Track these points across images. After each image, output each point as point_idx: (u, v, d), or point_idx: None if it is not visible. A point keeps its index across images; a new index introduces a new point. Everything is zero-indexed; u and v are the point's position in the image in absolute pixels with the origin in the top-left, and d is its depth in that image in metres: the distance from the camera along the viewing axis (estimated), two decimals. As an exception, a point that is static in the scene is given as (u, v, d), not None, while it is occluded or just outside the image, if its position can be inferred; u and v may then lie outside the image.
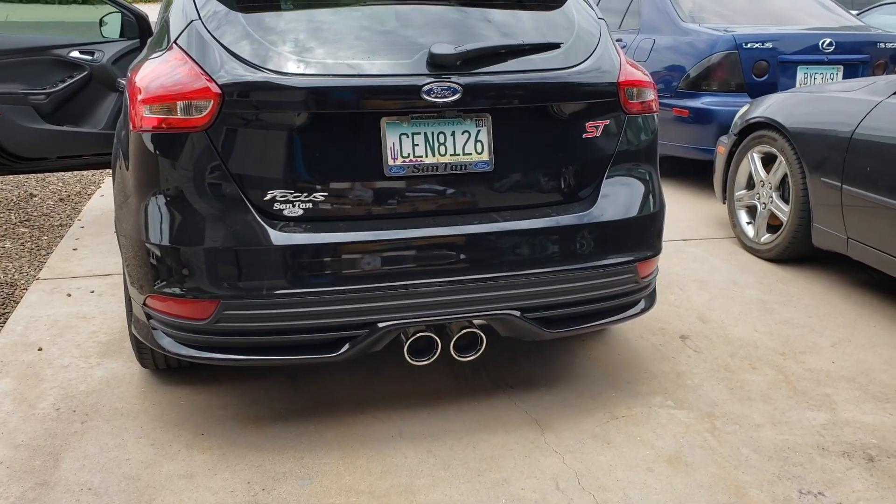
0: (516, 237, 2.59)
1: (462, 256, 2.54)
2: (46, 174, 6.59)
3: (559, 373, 3.17)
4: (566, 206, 2.70)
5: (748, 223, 4.70)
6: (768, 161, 4.54)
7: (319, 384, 3.05)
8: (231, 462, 2.57)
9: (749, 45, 5.49)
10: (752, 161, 4.59)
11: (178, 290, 2.44)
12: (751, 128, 4.62)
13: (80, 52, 4.79)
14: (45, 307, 3.80)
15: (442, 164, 2.52)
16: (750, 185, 4.69)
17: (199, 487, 2.43)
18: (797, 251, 4.31)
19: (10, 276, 4.27)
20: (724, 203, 4.94)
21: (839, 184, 3.86)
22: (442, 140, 2.52)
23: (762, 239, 4.52)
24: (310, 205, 2.46)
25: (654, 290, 3.00)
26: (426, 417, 2.84)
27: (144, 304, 2.57)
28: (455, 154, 2.54)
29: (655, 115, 2.87)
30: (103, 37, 4.93)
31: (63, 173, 6.66)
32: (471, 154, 2.55)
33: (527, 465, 2.57)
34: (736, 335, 3.54)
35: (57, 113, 4.78)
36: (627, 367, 3.23)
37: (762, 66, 5.55)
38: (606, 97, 2.69)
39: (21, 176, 6.46)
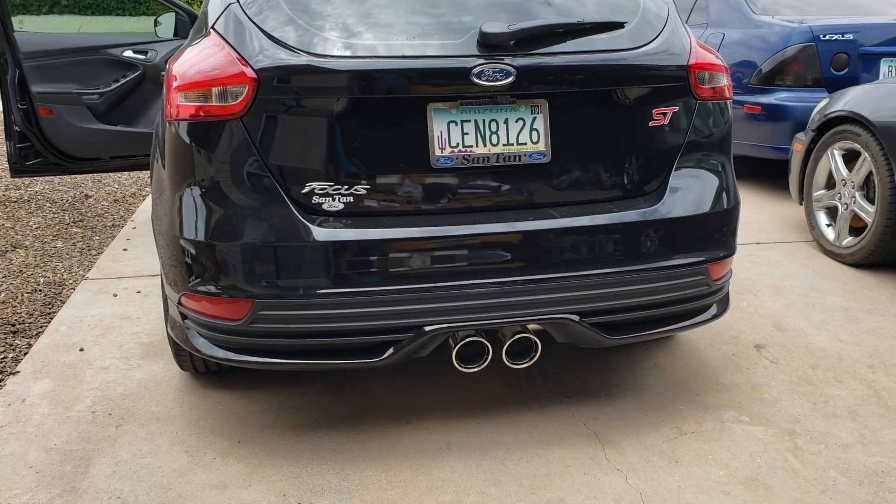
0: (576, 235, 2.37)
1: (516, 256, 2.33)
2: (103, 175, 6.62)
3: (620, 383, 2.93)
4: (630, 201, 2.46)
5: (828, 225, 4.37)
6: (850, 158, 4.22)
7: (363, 391, 2.87)
8: (267, 472, 2.41)
9: (827, 37, 5.14)
10: (833, 158, 4.26)
11: (212, 289, 2.30)
12: (831, 123, 4.30)
13: (134, 52, 4.75)
14: (91, 307, 3.72)
15: (494, 154, 2.32)
16: (830, 184, 4.36)
17: (232, 499, 2.28)
18: (883, 255, 3.97)
19: (59, 275, 4.22)
20: (801, 204, 4.62)
21: (933, 180, 3.52)
22: (494, 128, 2.32)
23: (844, 242, 4.19)
24: (351, 199, 2.28)
25: (728, 294, 2.74)
26: (476, 429, 2.63)
27: (179, 303, 2.44)
28: (508, 144, 2.33)
29: (729, 102, 2.62)
30: (157, 37, 4.88)
31: (119, 175, 6.68)
32: (525, 144, 2.34)
33: (585, 483, 2.35)
34: (817, 345, 3.24)
35: (110, 113, 4.75)
36: (696, 378, 2.97)
37: (842, 59, 5.20)
38: (675, 81, 2.45)
39: (78, 177, 6.49)
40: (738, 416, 2.71)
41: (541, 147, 2.35)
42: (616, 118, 2.42)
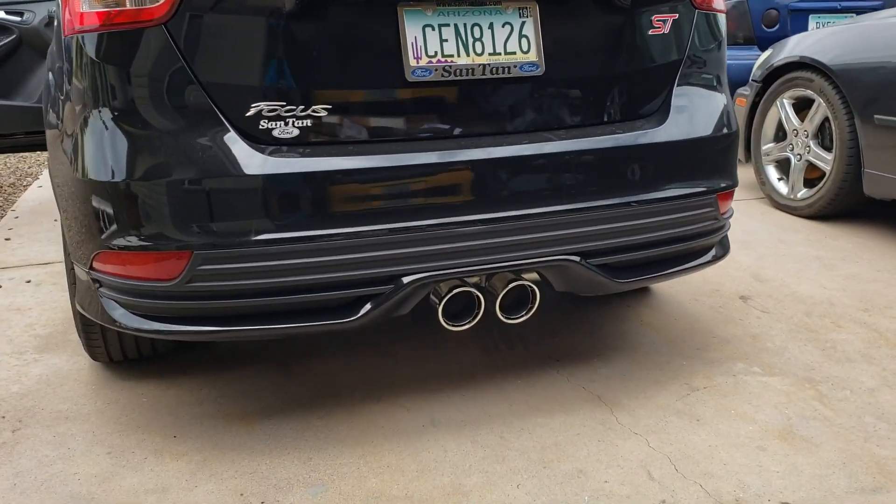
0: (575, 161, 2.01)
1: (507, 188, 1.95)
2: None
3: (610, 342, 2.59)
4: (633, 122, 2.12)
5: (779, 179, 4.19)
6: (801, 107, 4.05)
7: (318, 371, 2.42)
8: (215, 469, 1.93)
9: (758, -8, 5.02)
10: (783, 108, 4.08)
11: (135, 241, 1.81)
12: (778, 73, 4.12)
13: (7, 13, 4.11)
14: (-31, 302, 3.11)
15: (479, 65, 1.93)
16: (779, 136, 4.19)
17: (176, 502, 1.80)
18: (843, 204, 3.81)
19: (-73, 271, 3.56)
20: (747, 161, 4.42)
21: (899, 119, 3.36)
22: (477, 34, 1.94)
23: (799, 194, 4.02)
24: (308, 122, 1.84)
25: (727, 235, 2.45)
26: (461, 402, 2.23)
27: (91, 267, 1.93)
28: (495, 53, 1.95)
29: (722, 17, 2.32)
30: None
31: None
32: (515, 53, 1.97)
33: (603, 451, 1.99)
34: (803, 293, 3.01)
35: (-20, 85, 4.09)
36: (690, 333, 2.67)
37: (772, 16, 5.08)
38: (675, -17, 2.13)
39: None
40: (749, 368, 2.42)
41: (532, 57, 1.98)
42: (614, 25, 2.08)
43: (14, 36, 4.07)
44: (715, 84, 2.26)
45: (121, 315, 1.92)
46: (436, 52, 1.90)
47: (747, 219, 3.98)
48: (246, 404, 2.24)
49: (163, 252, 1.80)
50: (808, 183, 4.03)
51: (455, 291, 1.98)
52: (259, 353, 2.54)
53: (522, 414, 2.16)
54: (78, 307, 2.13)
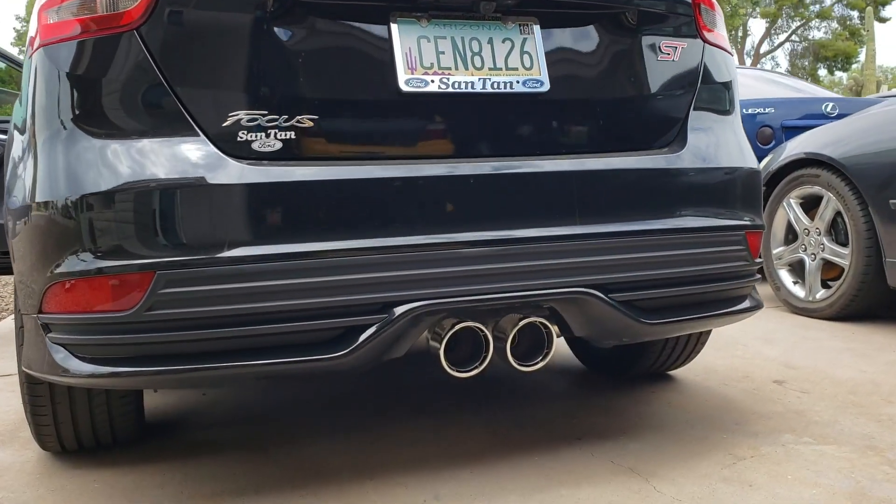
0: (590, 182, 1.82)
1: (512, 206, 1.75)
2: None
3: (636, 422, 2.27)
4: (648, 145, 1.95)
5: (795, 283, 3.98)
6: (809, 207, 3.91)
7: (301, 455, 2.09)
8: (172, 548, 1.58)
9: (751, 111, 5.04)
10: (791, 208, 3.95)
11: (89, 266, 1.57)
12: (781, 174, 4.02)
13: (-5, 131, 4.04)
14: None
15: (478, 79, 1.78)
16: (789, 238, 4.02)
17: (117, 584, 1.44)
18: (865, 300, 3.58)
19: None
20: (758, 269, 4.22)
21: (918, 200, 3.21)
22: (476, 49, 1.80)
23: (817, 296, 3.79)
24: (291, 133, 1.65)
25: (757, 289, 2.21)
26: (468, 478, 1.90)
27: (40, 310, 1.67)
28: (495, 68, 1.80)
29: (731, 58, 2.21)
30: None
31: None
32: (517, 69, 1.82)
33: (643, 518, 1.65)
34: (842, 376, 2.71)
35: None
36: (726, 411, 2.36)
37: (766, 134, 5.07)
38: (680, 11, 2.03)
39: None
40: (799, 439, 2.10)
41: (536, 73, 1.83)
42: (622, 46, 1.95)
43: (-1, 153, 3.97)
44: (732, 121, 2.12)
45: (72, 363, 1.64)
46: (432, 64, 1.75)
47: (765, 323, 3.73)
48: (215, 486, 1.89)
49: (121, 275, 1.56)
50: (826, 285, 3.82)
51: (459, 327, 1.71)
52: (232, 439, 2.22)
53: (543, 487, 1.83)
54: (24, 369, 1.84)
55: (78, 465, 2.05)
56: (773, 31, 39.32)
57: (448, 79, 1.75)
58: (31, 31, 1.76)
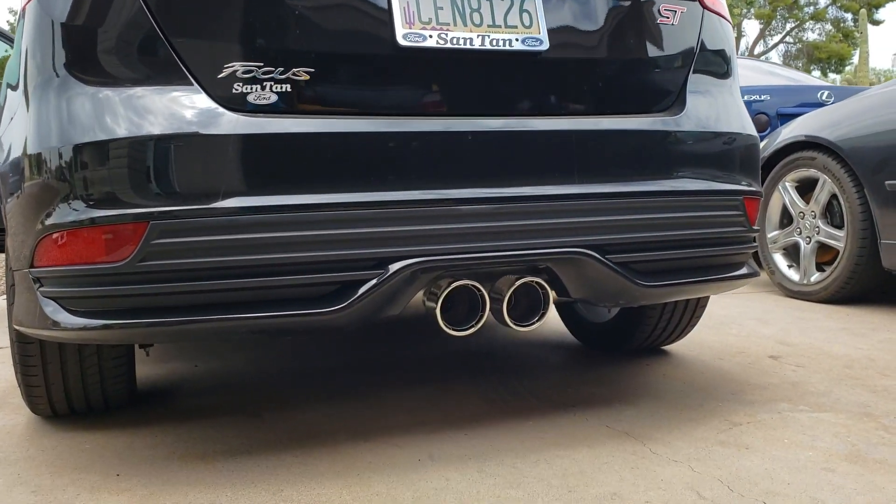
0: (588, 142, 1.81)
1: (510, 163, 1.74)
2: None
3: (631, 392, 2.26)
4: (647, 107, 1.94)
5: (789, 266, 3.98)
6: (804, 191, 3.91)
7: (295, 419, 2.07)
8: (163, 502, 1.56)
9: (746, 98, 5.03)
10: (786, 192, 3.94)
11: (80, 217, 1.55)
12: (776, 157, 4.01)
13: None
14: None
15: (477, 36, 1.76)
16: (784, 222, 4.02)
17: (107, 534, 1.42)
18: (860, 283, 3.57)
19: None
20: (752, 254, 4.22)
21: (914, 180, 3.21)
22: (475, 5, 1.78)
23: (812, 279, 3.79)
24: (287, 86, 1.63)
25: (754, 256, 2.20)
26: (464, 440, 1.88)
27: (31, 264, 1.65)
28: (494, 25, 1.78)
29: (730, 27, 2.20)
30: None
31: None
32: (516, 27, 1.80)
33: (638, 476, 1.64)
34: (838, 352, 2.71)
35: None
36: (722, 382, 2.35)
37: (762, 121, 5.08)
38: (680, -25, 2.02)
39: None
40: (795, 407, 2.09)
41: (535, 32, 1.81)
42: (621, 9, 1.94)
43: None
44: (730, 86, 2.11)
45: (63, 316, 1.62)
46: (430, 19, 1.73)
47: (760, 304, 3.72)
48: (206, 447, 1.88)
49: (114, 225, 1.54)
50: (820, 268, 3.81)
51: (455, 285, 1.70)
52: (225, 405, 2.20)
53: (537, 448, 1.82)
54: (15, 326, 1.82)
55: (69, 429, 2.03)
56: (767, 33, 39.43)
57: (446, 34, 1.74)
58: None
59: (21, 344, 1.90)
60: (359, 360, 2.73)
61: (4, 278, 2.07)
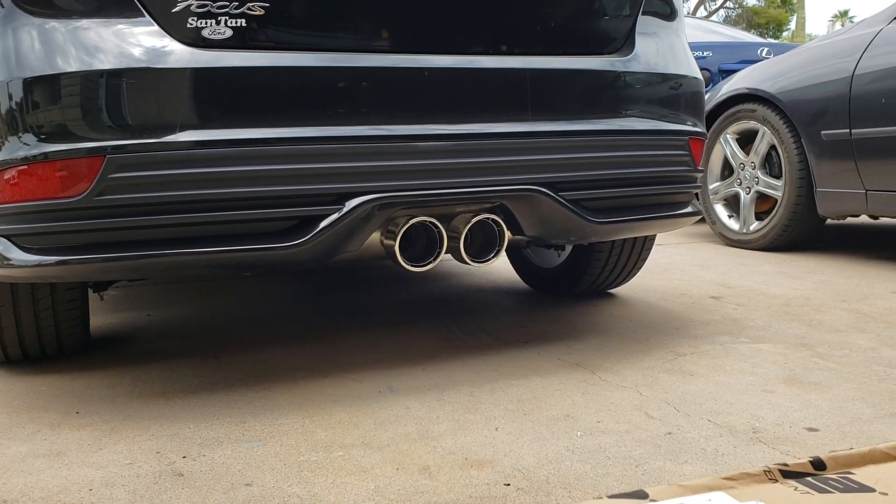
0: (543, 80, 1.85)
1: (468, 103, 1.77)
2: None
3: (581, 328, 2.34)
4: (598, 49, 1.98)
5: (730, 217, 4.11)
6: (744, 143, 4.03)
7: (253, 360, 2.09)
8: (125, 435, 1.58)
9: (689, 54, 5.12)
10: (727, 144, 4.06)
11: (34, 152, 1.53)
12: (717, 111, 4.12)
13: None
14: None
15: (432, -31, 1.78)
16: (725, 174, 4.14)
17: (72, 464, 1.43)
18: (797, 231, 3.72)
19: None
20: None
21: (847, 130, 3.34)
22: (428, -57, 1.79)
23: (751, 227, 3.93)
24: (242, 21, 1.63)
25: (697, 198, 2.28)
26: (422, 374, 1.93)
27: (-14, 203, 1.63)
28: (448, -43, 1.80)
29: (676, -25, 2.25)
30: None
31: None
32: (468, -34, 1.82)
33: (589, 400, 1.71)
34: (776, 292, 2.83)
35: None
36: (666, 319, 2.44)
37: (704, 77, 5.15)
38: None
39: None
40: (736, 339, 2.19)
41: (488, -30, 1.84)
42: (569, -53, 1.97)
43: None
44: (676, 28, 2.17)
45: (16, 253, 1.60)
46: (387, -50, 1.74)
47: (702, 252, 3.85)
48: (166, 386, 1.89)
49: (69, 160, 1.53)
50: (759, 218, 3.95)
51: (413, 222, 1.73)
52: (181, 349, 2.20)
53: (492, 379, 1.88)
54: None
55: (23, 374, 2.01)
56: (708, -2, 39.88)
57: (398, -32, 1.75)
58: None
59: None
60: (316, 308, 2.75)
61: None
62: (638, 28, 2.04)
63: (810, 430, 1.53)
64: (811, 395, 1.72)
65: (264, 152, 1.59)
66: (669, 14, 2.16)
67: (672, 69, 2.06)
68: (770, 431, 1.52)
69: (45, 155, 1.53)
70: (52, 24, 1.55)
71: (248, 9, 1.63)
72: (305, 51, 1.68)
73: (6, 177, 1.57)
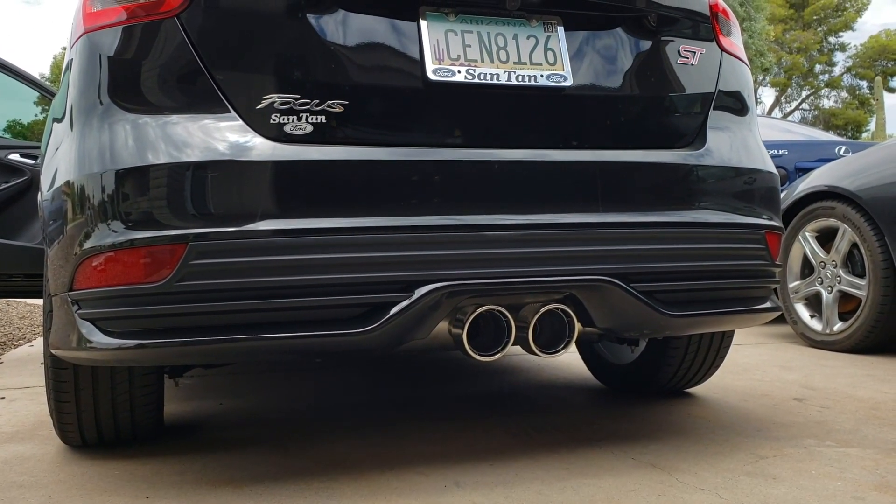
0: (614, 172, 1.86)
1: (538, 194, 1.79)
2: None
3: (657, 428, 2.26)
4: (669, 143, 1.99)
5: (812, 317, 3.97)
6: (824, 241, 3.93)
7: (320, 449, 2.09)
8: (192, 520, 1.58)
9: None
10: (806, 242, 3.96)
11: (120, 239, 1.60)
12: (795, 209, 4.05)
13: (22, 156, 4.14)
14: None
15: (503, 72, 1.83)
16: (805, 272, 4.02)
17: (138, 548, 1.43)
18: (884, 331, 3.55)
19: None
20: (774, 305, 4.21)
21: (934, 227, 3.23)
22: (501, 43, 1.86)
23: (835, 328, 3.78)
24: (322, 118, 1.70)
25: (778, 294, 2.22)
26: (488, 469, 1.89)
27: (71, 287, 1.70)
28: (520, 62, 1.86)
29: (748, 70, 2.27)
30: None
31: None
32: (540, 64, 1.88)
33: (666, 503, 1.63)
34: (863, 396, 2.69)
35: (-13, 222, 4.01)
36: (746, 421, 2.34)
37: (780, 174, 5.11)
38: (698, 17, 2.09)
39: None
40: (822, 443, 2.08)
41: (559, 69, 1.88)
42: (642, 48, 2.01)
43: (26, 177, 4.07)
44: (749, 123, 2.16)
45: (98, 336, 1.66)
46: (458, 56, 1.81)
47: (783, 353, 3.71)
48: (234, 474, 1.89)
49: (153, 246, 1.59)
50: (843, 318, 3.80)
51: (481, 310, 1.73)
52: (250, 438, 2.22)
53: (563, 478, 1.82)
54: (51, 350, 1.87)
55: (98, 457, 2.05)
56: (783, 100, 39.81)
57: (474, 70, 1.81)
58: (73, 29, 1.84)
59: (55, 370, 1.94)
60: (382, 398, 2.74)
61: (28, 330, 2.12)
62: (710, 123, 2.05)
63: (907, 541, 1.42)
64: (906, 503, 1.61)
65: (339, 241, 1.63)
66: (741, 109, 2.16)
67: (745, 163, 2.05)
68: (862, 541, 1.42)
69: (132, 242, 1.60)
70: (145, 119, 1.65)
71: (329, 106, 1.71)
72: (380, 146, 1.74)
73: (94, 263, 1.65)
